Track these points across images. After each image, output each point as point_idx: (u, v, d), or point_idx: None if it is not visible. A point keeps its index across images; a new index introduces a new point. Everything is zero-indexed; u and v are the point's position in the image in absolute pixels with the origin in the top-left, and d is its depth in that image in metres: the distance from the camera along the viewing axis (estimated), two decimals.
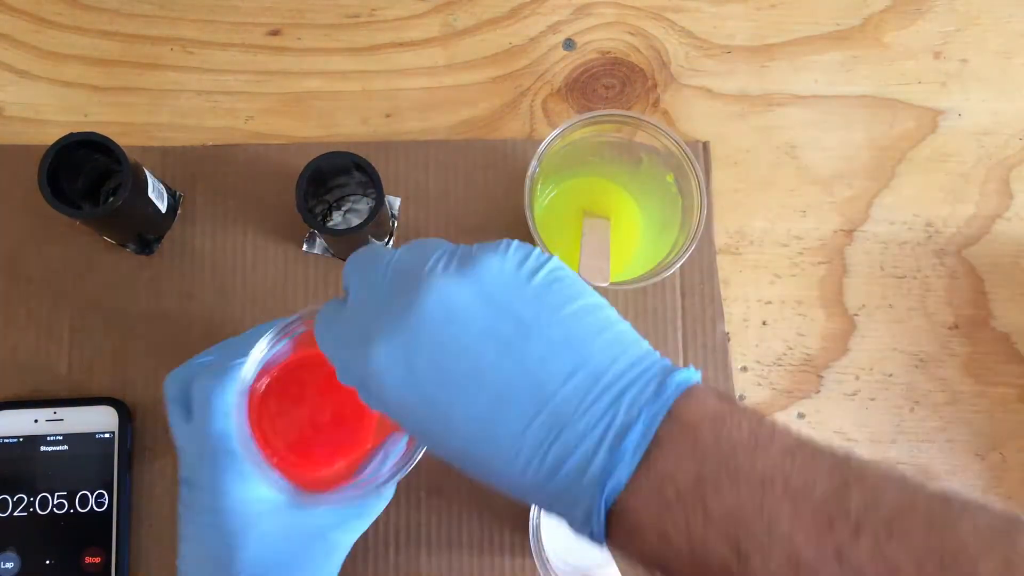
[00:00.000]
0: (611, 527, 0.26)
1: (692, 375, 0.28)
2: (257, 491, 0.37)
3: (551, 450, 0.27)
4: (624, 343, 0.29)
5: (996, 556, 0.22)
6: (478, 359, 0.28)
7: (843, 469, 0.25)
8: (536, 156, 0.45)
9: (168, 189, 0.50)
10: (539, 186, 0.49)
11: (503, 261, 0.29)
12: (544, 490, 0.27)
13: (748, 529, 0.24)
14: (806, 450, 0.26)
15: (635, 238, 0.51)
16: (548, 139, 0.46)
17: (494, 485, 0.29)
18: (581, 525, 0.27)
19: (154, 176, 0.48)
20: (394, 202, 0.51)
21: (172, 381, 0.41)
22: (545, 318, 0.28)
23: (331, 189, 0.49)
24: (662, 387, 0.27)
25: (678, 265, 0.45)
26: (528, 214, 0.45)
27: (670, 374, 0.27)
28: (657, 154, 0.48)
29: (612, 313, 0.30)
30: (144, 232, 0.49)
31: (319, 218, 0.50)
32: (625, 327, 0.30)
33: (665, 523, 0.25)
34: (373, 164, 0.45)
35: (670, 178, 0.48)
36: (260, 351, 0.36)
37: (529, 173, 0.45)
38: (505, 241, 0.30)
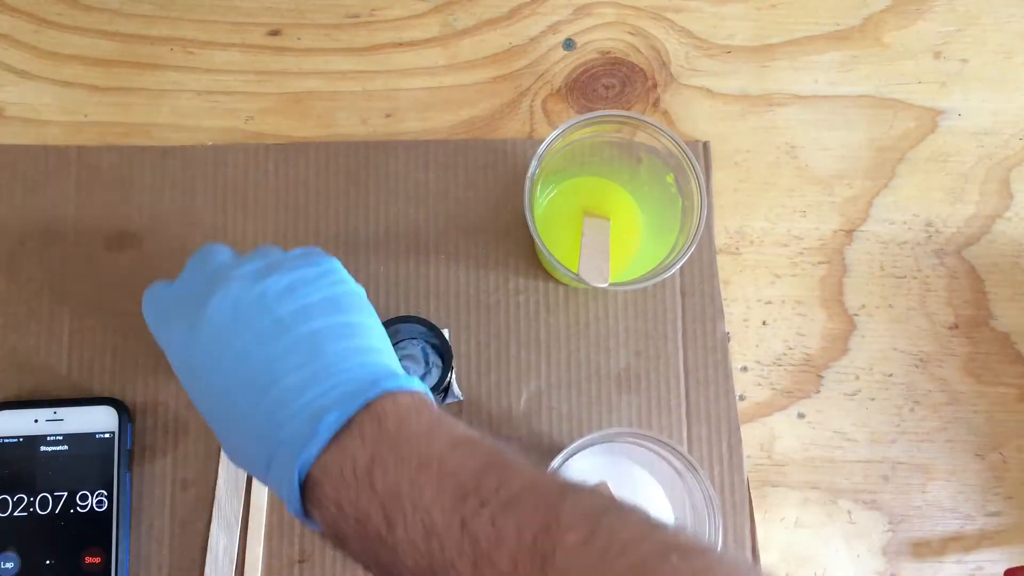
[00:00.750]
0: (305, 499, 0.31)
1: (411, 383, 0.33)
2: None
3: (269, 425, 0.32)
4: (366, 353, 0.34)
5: (583, 529, 0.27)
6: (239, 347, 0.34)
7: (493, 458, 0.30)
8: (536, 156, 0.45)
9: None
10: (539, 186, 0.49)
11: (291, 274, 0.36)
12: (261, 462, 0.32)
13: (399, 503, 0.29)
14: (470, 442, 0.31)
15: (635, 238, 0.51)
16: (548, 139, 0.46)
17: (232, 455, 0.35)
18: (285, 498, 0.31)
19: None
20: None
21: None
22: (300, 324, 0.34)
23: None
24: (373, 384, 0.32)
25: (678, 265, 0.45)
26: (528, 214, 0.45)
27: (388, 378, 0.32)
28: (657, 154, 0.48)
29: (372, 333, 0.36)
30: None
31: None
32: (381, 346, 0.36)
33: (341, 496, 0.30)
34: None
35: (670, 178, 0.48)
36: None
37: (529, 173, 0.45)
38: (315, 255, 0.37)
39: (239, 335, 0.34)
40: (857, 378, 0.52)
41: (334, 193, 0.52)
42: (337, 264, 0.37)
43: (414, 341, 0.49)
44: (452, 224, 0.52)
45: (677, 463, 0.45)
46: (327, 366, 0.33)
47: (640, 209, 0.52)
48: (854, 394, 0.52)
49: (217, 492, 0.48)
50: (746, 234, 0.54)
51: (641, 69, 0.56)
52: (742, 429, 0.51)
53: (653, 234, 0.51)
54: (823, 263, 0.54)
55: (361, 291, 0.38)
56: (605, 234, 0.49)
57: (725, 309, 0.52)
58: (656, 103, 0.55)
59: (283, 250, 0.38)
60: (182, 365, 0.36)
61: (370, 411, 0.31)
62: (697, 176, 0.46)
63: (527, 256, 0.52)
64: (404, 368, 0.38)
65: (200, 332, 0.35)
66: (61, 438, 0.47)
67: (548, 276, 0.52)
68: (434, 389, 0.45)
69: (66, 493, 0.46)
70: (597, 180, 0.52)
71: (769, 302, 0.53)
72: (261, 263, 0.37)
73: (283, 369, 0.33)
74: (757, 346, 0.52)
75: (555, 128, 0.46)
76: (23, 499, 0.46)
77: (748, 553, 0.49)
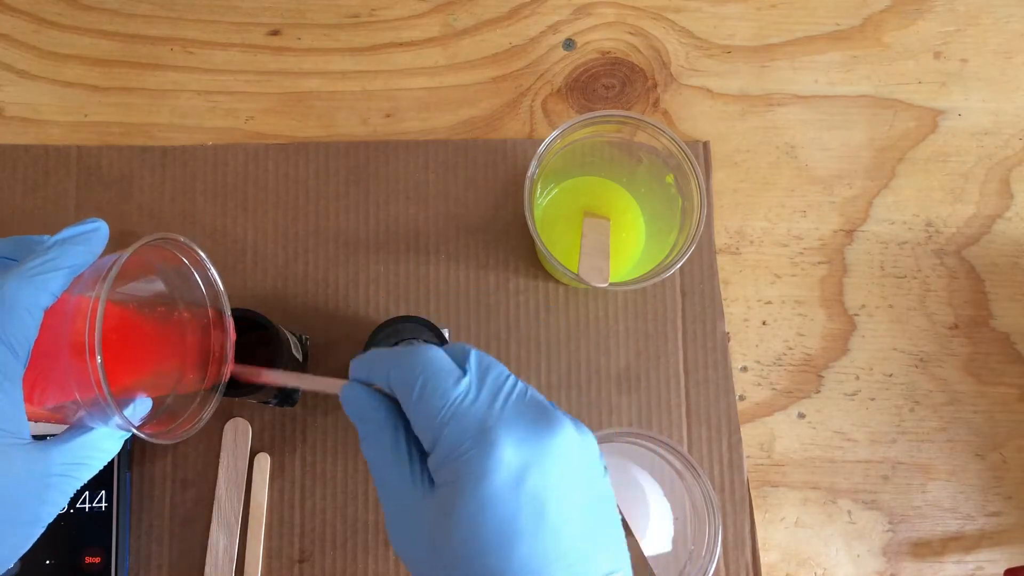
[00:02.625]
0: None
1: None
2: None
3: None
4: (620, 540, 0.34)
5: None
6: (564, 508, 0.31)
7: None
8: (536, 156, 0.45)
9: (296, 337, 0.49)
10: (539, 186, 0.49)
11: (595, 446, 0.34)
12: None
13: None
14: None
15: (635, 238, 0.51)
16: (548, 139, 0.46)
17: None
18: None
19: (286, 331, 0.47)
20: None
21: None
22: (600, 516, 0.33)
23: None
24: None
25: (678, 265, 0.45)
26: (528, 214, 0.45)
27: None
28: (657, 154, 0.48)
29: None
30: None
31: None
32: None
33: None
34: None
35: (670, 178, 0.48)
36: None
37: (529, 173, 0.45)
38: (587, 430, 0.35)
39: (567, 492, 0.32)
40: (857, 378, 0.52)
41: (334, 193, 0.52)
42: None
43: (414, 341, 0.49)
44: (452, 224, 0.52)
45: (677, 463, 0.45)
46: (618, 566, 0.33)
47: (640, 209, 0.52)
48: (854, 394, 0.52)
49: (217, 492, 0.48)
50: (746, 234, 0.54)
51: (641, 69, 0.56)
52: (742, 429, 0.51)
53: (653, 234, 0.51)
54: (823, 263, 0.54)
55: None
56: (605, 234, 0.49)
57: (725, 309, 0.52)
58: (656, 103, 0.55)
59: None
60: (491, 500, 0.31)
61: None
62: (697, 176, 0.46)
63: (527, 256, 0.52)
64: None
65: (536, 471, 0.31)
66: None
67: (548, 276, 0.52)
68: None
69: None
70: (597, 180, 0.52)
71: (769, 302, 0.53)
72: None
73: (591, 564, 0.32)
74: (757, 346, 0.52)
75: (555, 128, 0.46)
76: None
77: (748, 553, 0.49)
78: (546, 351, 0.51)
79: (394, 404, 0.34)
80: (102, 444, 0.36)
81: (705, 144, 0.54)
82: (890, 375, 0.52)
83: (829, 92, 0.56)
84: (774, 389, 0.52)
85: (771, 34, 0.56)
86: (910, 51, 0.57)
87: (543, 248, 0.45)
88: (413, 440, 0.34)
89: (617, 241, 0.50)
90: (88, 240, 0.35)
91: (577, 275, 0.45)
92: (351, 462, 0.49)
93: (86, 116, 0.53)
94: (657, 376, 0.51)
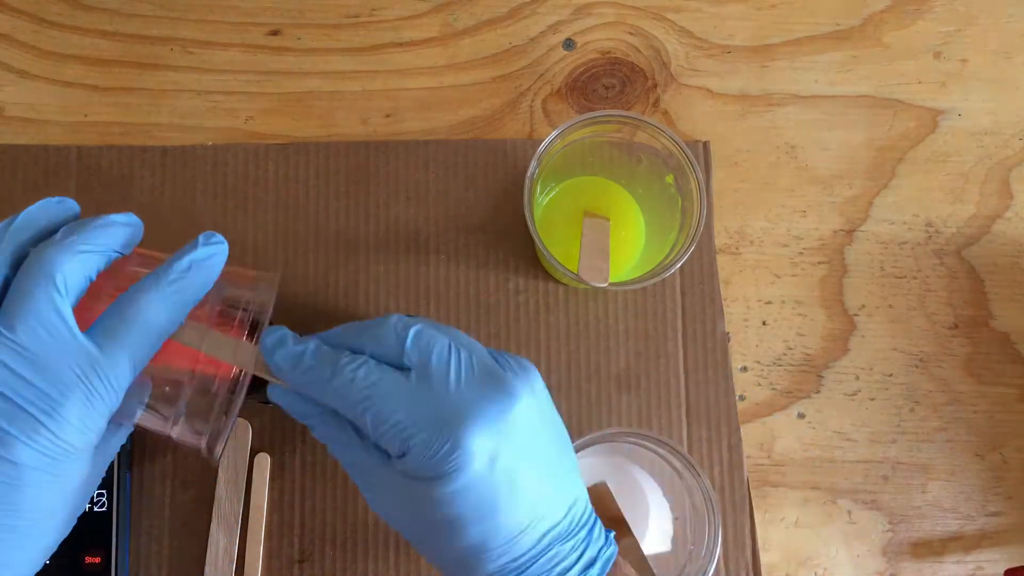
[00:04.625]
0: None
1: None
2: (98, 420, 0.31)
3: (547, 558, 0.33)
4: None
5: None
6: (532, 462, 0.33)
7: None
8: (536, 156, 0.45)
9: None
10: (539, 186, 0.49)
11: (539, 380, 0.36)
12: None
13: None
14: None
15: (635, 238, 0.51)
16: (548, 139, 0.46)
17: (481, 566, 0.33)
18: None
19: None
20: None
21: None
22: (562, 447, 0.36)
23: None
24: (608, 540, 0.36)
25: (678, 265, 0.45)
26: (528, 214, 0.45)
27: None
28: (657, 154, 0.48)
29: None
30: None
31: None
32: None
33: None
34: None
35: (670, 178, 0.48)
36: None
37: (529, 173, 0.45)
38: (526, 360, 0.36)
39: (536, 456, 0.34)
40: (857, 378, 0.52)
41: (334, 193, 0.52)
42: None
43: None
44: (452, 224, 0.52)
45: (677, 463, 0.45)
46: (583, 503, 0.36)
47: (640, 209, 0.52)
48: (854, 394, 0.52)
49: (217, 492, 0.48)
50: (746, 234, 0.54)
51: (641, 69, 0.56)
52: (742, 429, 0.51)
53: (653, 234, 0.51)
54: (823, 263, 0.54)
55: None
56: (605, 234, 0.49)
57: (725, 309, 0.52)
58: (656, 103, 0.55)
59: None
60: (470, 486, 0.32)
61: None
62: (697, 176, 0.46)
63: (527, 256, 0.52)
64: None
65: (506, 447, 0.33)
66: None
67: (548, 276, 0.52)
68: None
69: None
70: (597, 180, 0.52)
71: (769, 302, 0.53)
72: (490, 359, 0.35)
73: (570, 502, 0.35)
74: (757, 346, 0.52)
75: (555, 128, 0.46)
76: None
77: (748, 553, 0.49)
78: (546, 351, 0.51)
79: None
80: (121, 442, 0.37)
81: (705, 144, 0.54)
82: (890, 375, 0.52)
83: (829, 92, 0.56)
84: (774, 389, 0.52)
85: (771, 34, 0.56)
86: (910, 51, 0.57)
87: (543, 248, 0.45)
88: None
89: (617, 241, 0.50)
90: (131, 233, 0.34)
91: (577, 275, 0.45)
92: None
93: (86, 116, 0.53)
94: (657, 376, 0.51)
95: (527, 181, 0.45)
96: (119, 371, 0.30)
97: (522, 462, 0.33)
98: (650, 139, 0.48)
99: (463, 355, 0.34)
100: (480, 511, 0.32)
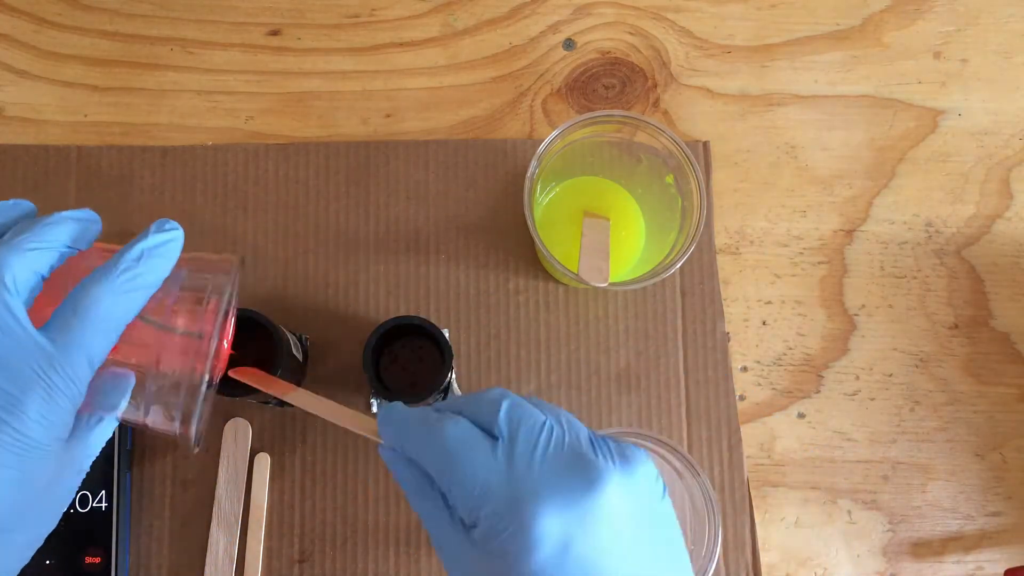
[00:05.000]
0: None
1: None
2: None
3: None
4: None
5: None
6: (615, 555, 0.30)
7: None
8: (536, 156, 0.45)
9: (296, 336, 0.48)
10: (539, 186, 0.49)
11: (648, 474, 0.32)
12: None
13: None
14: None
15: (635, 238, 0.51)
16: (548, 139, 0.46)
17: None
18: None
19: (286, 330, 0.46)
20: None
21: None
22: (661, 550, 0.31)
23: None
24: None
25: (678, 265, 0.45)
26: (528, 214, 0.45)
27: None
28: (657, 154, 0.48)
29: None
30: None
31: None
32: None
33: None
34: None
35: (670, 178, 0.48)
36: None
37: (529, 173, 0.45)
38: (642, 451, 0.33)
39: (619, 555, 0.30)
40: (857, 378, 0.52)
41: (334, 193, 0.52)
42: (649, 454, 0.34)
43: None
44: (452, 224, 0.52)
45: (677, 463, 0.45)
46: None
47: (640, 209, 0.52)
48: (854, 394, 0.52)
49: (217, 492, 0.48)
50: (746, 234, 0.54)
51: (641, 69, 0.56)
52: (742, 429, 0.51)
53: (653, 234, 0.51)
54: (823, 263, 0.54)
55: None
56: (605, 234, 0.49)
57: (725, 309, 0.52)
58: (656, 103, 0.55)
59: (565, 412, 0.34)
60: (535, 572, 0.30)
61: None
62: (697, 176, 0.46)
63: (527, 256, 0.52)
64: None
65: (580, 535, 0.29)
66: None
67: (548, 276, 0.52)
68: (434, 389, 0.45)
69: None
70: (597, 180, 0.52)
71: (769, 302, 0.53)
72: (600, 447, 0.32)
73: None
74: (757, 346, 0.52)
75: (555, 128, 0.46)
76: None
77: (748, 553, 0.49)
78: (546, 351, 0.51)
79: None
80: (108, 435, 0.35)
81: (705, 144, 0.54)
82: (890, 375, 0.52)
83: (829, 92, 0.56)
84: (774, 389, 0.52)
85: (771, 34, 0.56)
86: (910, 51, 0.57)
87: (543, 248, 0.45)
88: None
89: (617, 241, 0.50)
90: (82, 228, 0.33)
91: (577, 275, 0.45)
92: (351, 462, 0.49)
93: (86, 116, 0.53)
94: (657, 376, 0.51)
95: (527, 181, 0.45)
96: (76, 364, 0.30)
97: (603, 551, 0.30)
98: (650, 139, 0.48)
99: (556, 433, 0.32)
100: None
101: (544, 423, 0.32)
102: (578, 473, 0.30)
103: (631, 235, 0.51)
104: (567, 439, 0.32)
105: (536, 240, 0.45)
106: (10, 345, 0.29)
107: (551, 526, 0.29)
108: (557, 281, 0.52)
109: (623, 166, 0.51)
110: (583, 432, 0.33)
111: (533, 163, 0.45)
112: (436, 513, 0.33)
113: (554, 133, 0.46)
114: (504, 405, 0.32)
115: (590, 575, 0.29)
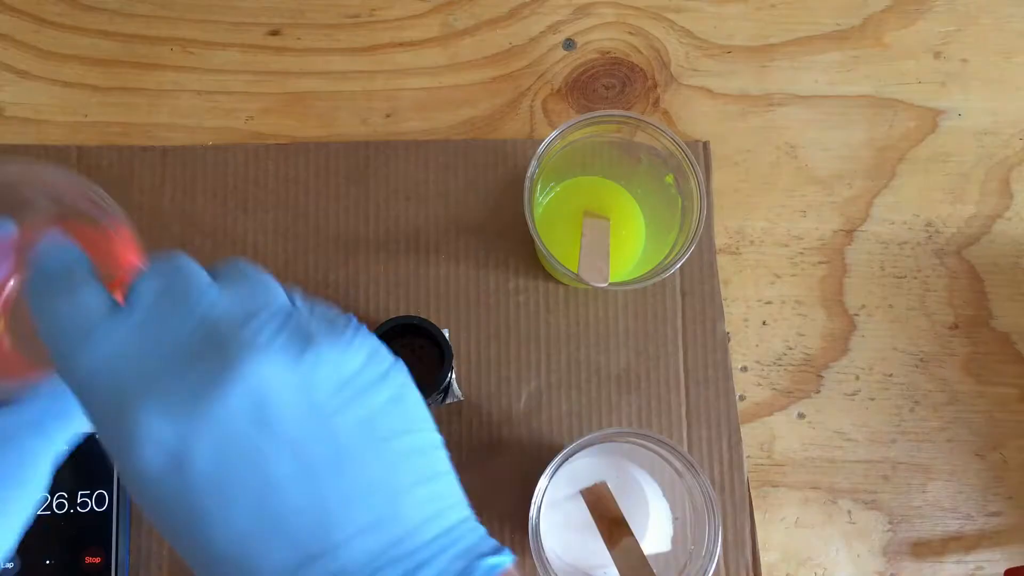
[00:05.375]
0: None
1: (504, 560, 0.25)
2: None
3: None
4: (443, 503, 0.25)
5: None
6: (271, 474, 0.23)
7: None
8: (536, 156, 0.45)
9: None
10: (539, 186, 0.49)
11: (344, 356, 0.24)
12: None
13: None
14: None
15: (635, 238, 0.51)
16: (548, 139, 0.46)
17: None
18: None
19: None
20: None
21: None
22: (369, 449, 0.24)
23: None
24: (466, 572, 0.24)
25: (678, 265, 0.45)
26: (528, 214, 0.45)
27: (479, 558, 0.24)
28: (657, 154, 0.48)
29: (442, 456, 0.26)
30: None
31: None
32: (450, 479, 0.26)
33: None
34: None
35: (670, 178, 0.48)
36: None
37: (529, 173, 0.45)
38: (351, 324, 0.25)
39: (272, 455, 0.22)
40: (857, 378, 0.52)
41: (334, 193, 0.52)
42: (368, 332, 0.26)
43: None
44: (452, 224, 0.52)
45: (677, 463, 0.45)
46: (402, 532, 0.23)
47: (640, 209, 0.52)
48: (854, 394, 0.52)
49: None
50: (746, 234, 0.54)
51: (641, 69, 0.56)
52: (742, 429, 0.51)
53: (653, 234, 0.51)
54: (823, 263, 0.54)
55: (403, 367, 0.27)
56: (605, 234, 0.49)
57: (725, 309, 0.52)
58: (656, 103, 0.55)
59: (272, 278, 0.26)
60: (151, 489, 0.23)
61: None
62: (697, 176, 0.46)
63: (527, 256, 0.52)
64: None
65: (201, 439, 0.22)
66: None
67: (548, 276, 0.52)
68: (434, 389, 0.45)
69: (66, 493, 0.46)
70: (597, 180, 0.52)
71: (769, 302, 0.53)
72: (280, 318, 0.24)
73: (341, 525, 0.23)
74: (757, 346, 0.52)
75: (555, 128, 0.46)
76: None
77: (748, 553, 0.49)
78: (546, 351, 0.51)
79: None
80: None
81: (705, 144, 0.54)
82: (890, 375, 0.52)
83: (829, 92, 0.56)
84: (774, 389, 0.52)
85: (771, 34, 0.56)
86: (910, 51, 0.57)
87: (543, 248, 0.45)
88: None
89: (617, 241, 0.50)
90: None
91: (577, 275, 0.45)
92: None
93: (86, 116, 0.53)
94: (657, 376, 0.51)
95: (527, 181, 0.45)
96: None
97: (253, 469, 0.22)
98: (650, 139, 0.48)
99: (193, 297, 0.24)
100: (169, 522, 0.23)
101: (203, 293, 0.24)
102: (208, 353, 0.23)
103: (631, 235, 0.51)
104: (210, 309, 0.24)
105: (536, 240, 0.45)
106: None
107: (159, 432, 0.22)
108: (557, 281, 0.52)
109: (623, 166, 0.51)
110: (265, 306, 0.24)
111: (533, 163, 0.45)
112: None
113: (554, 133, 0.46)
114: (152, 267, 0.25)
115: (220, 484, 0.22)
